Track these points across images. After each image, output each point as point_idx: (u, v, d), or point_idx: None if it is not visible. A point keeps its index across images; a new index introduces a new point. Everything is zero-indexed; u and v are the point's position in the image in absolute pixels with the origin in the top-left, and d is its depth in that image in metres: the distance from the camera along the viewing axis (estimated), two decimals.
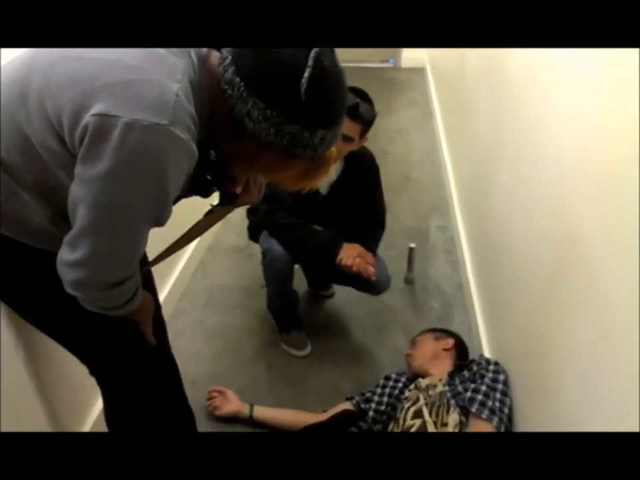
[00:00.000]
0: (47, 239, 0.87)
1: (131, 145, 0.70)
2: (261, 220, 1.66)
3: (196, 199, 0.98)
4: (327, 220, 1.66)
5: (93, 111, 0.70)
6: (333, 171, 1.66)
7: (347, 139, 1.46)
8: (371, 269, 1.55)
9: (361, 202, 1.73)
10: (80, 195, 0.75)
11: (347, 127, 1.43)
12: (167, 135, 0.71)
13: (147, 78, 0.72)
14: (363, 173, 1.67)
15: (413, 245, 2.11)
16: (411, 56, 4.72)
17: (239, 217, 2.08)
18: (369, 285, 1.71)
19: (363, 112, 1.46)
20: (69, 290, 0.83)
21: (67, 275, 0.81)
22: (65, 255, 0.80)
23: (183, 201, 0.92)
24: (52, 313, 0.98)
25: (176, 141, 0.73)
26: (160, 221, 0.82)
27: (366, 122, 1.50)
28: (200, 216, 1.06)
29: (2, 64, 0.83)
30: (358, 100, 1.45)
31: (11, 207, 0.84)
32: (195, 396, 1.62)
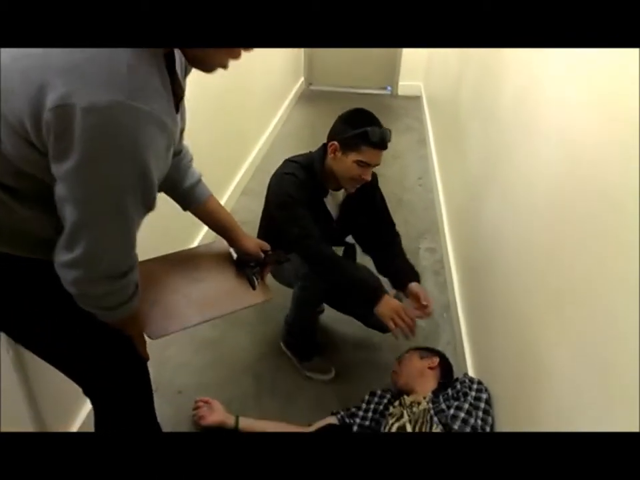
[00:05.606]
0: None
1: (95, 131, 0.65)
2: (293, 245, 1.55)
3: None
4: (344, 240, 1.67)
5: (49, 104, 0.65)
6: (340, 193, 1.69)
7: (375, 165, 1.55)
8: (412, 328, 1.47)
9: (372, 217, 1.73)
10: (62, 193, 0.72)
11: (379, 156, 1.53)
12: (129, 111, 0.66)
13: (93, 54, 0.66)
14: (368, 190, 1.67)
15: None
16: (407, 84, 4.89)
17: None
18: (382, 327, 1.61)
19: (389, 140, 1.51)
20: (71, 290, 0.82)
21: (68, 275, 0.80)
22: (62, 256, 0.78)
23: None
24: (47, 335, 0.95)
25: (140, 115, 0.67)
26: (148, 205, 0.79)
27: None
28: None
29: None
30: (389, 130, 1.50)
31: (13, 225, 0.82)
32: (181, 405, 1.62)
